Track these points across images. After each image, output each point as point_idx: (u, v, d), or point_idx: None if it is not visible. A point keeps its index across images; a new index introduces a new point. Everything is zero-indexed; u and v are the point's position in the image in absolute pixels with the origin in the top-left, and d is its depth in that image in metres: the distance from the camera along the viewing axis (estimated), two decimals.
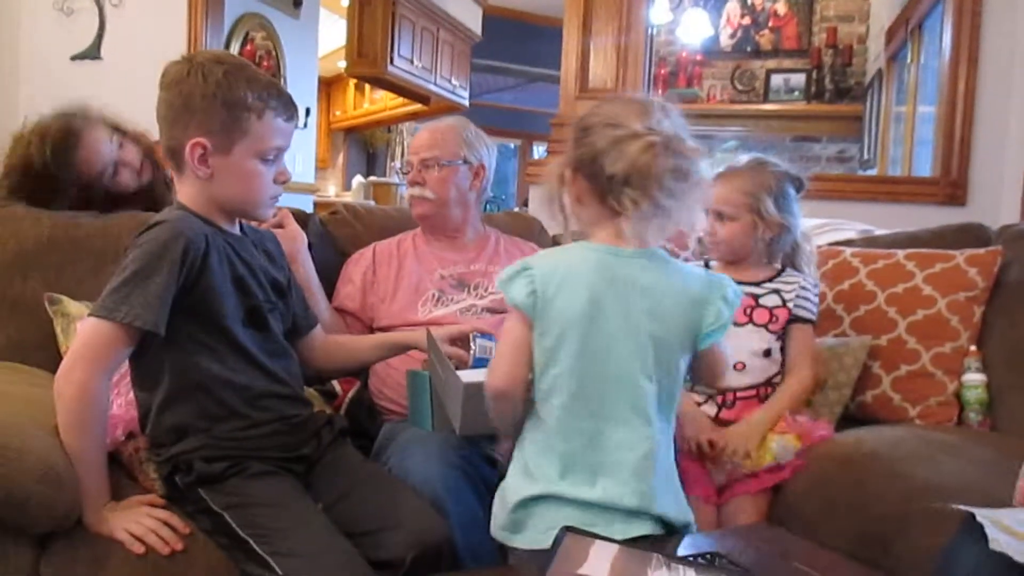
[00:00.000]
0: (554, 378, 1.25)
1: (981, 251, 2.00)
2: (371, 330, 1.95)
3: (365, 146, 10.05)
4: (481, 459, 1.58)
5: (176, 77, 1.38)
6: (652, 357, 1.25)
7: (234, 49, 4.19)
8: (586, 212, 1.31)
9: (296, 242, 1.84)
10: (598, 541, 0.97)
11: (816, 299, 1.83)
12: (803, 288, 1.81)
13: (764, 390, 1.76)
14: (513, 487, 1.29)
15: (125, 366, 1.44)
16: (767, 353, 1.77)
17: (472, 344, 1.65)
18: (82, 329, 1.31)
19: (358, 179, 6.98)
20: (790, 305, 1.79)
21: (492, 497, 1.55)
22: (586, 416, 1.24)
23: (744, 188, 1.79)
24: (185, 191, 1.42)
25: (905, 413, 1.91)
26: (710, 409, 1.75)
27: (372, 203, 6.20)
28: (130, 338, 1.29)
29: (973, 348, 1.92)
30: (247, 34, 4.39)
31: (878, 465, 1.53)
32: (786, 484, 1.62)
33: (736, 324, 1.74)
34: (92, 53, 3.84)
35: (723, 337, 1.29)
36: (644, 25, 3.34)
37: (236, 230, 1.47)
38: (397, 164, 2.15)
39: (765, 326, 1.78)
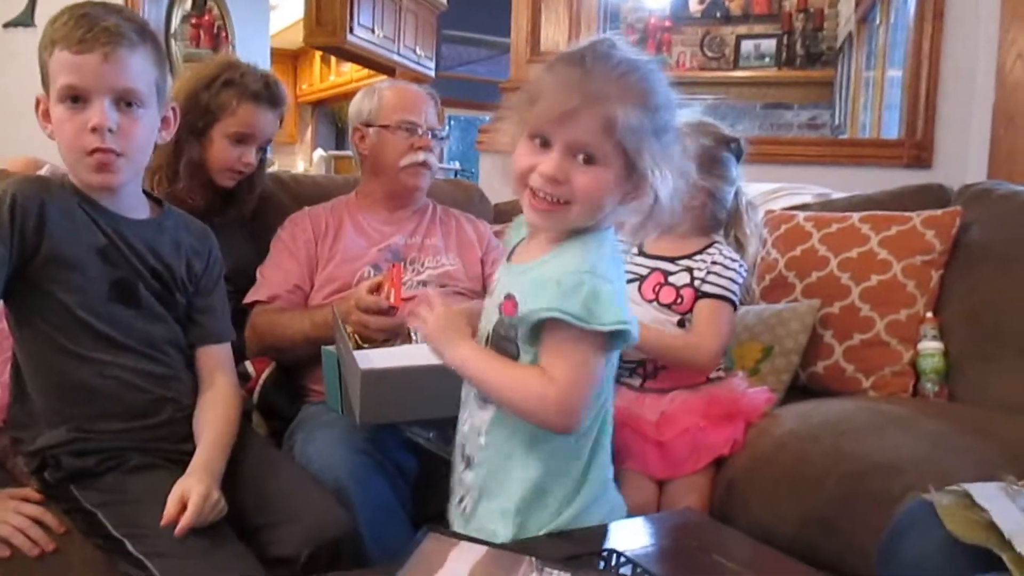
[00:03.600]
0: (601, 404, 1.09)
1: (938, 212, 1.90)
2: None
3: (334, 120, 9.85)
4: (397, 443, 1.46)
5: None
6: None
7: (178, 17, 4.03)
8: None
9: None
10: (462, 543, 0.85)
11: (736, 275, 1.65)
12: (715, 263, 1.65)
13: None
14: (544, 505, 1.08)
15: None
16: (680, 324, 1.64)
17: (414, 337, 1.53)
18: None
19: (319, 152, 6.82)
20: (698, 284, 1.64)
21: (408, 484, 1.46)
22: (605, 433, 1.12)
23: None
24: None
25: (858, 384, 1.81)
26: (634, 380, 1.64)
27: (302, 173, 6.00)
28: None
29: (930, 315, 1.83)
30: (205, 3, 4.22)
31: (822, 441, 1.43)
32: (727, 463, 1.52)
33: (645, 300, 1.64)
34: (25, 20, 3.66)
35: None
36: None
37: (125, 207, 1.31)
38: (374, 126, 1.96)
39: (669, 306, 1.64)
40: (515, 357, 1.06)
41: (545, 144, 1.02)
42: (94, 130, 1.19)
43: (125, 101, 1.23)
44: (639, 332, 1.52)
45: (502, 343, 1.07)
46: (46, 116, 1.25)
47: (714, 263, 1.65)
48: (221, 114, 1.75)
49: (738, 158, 1.71)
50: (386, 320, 1.54)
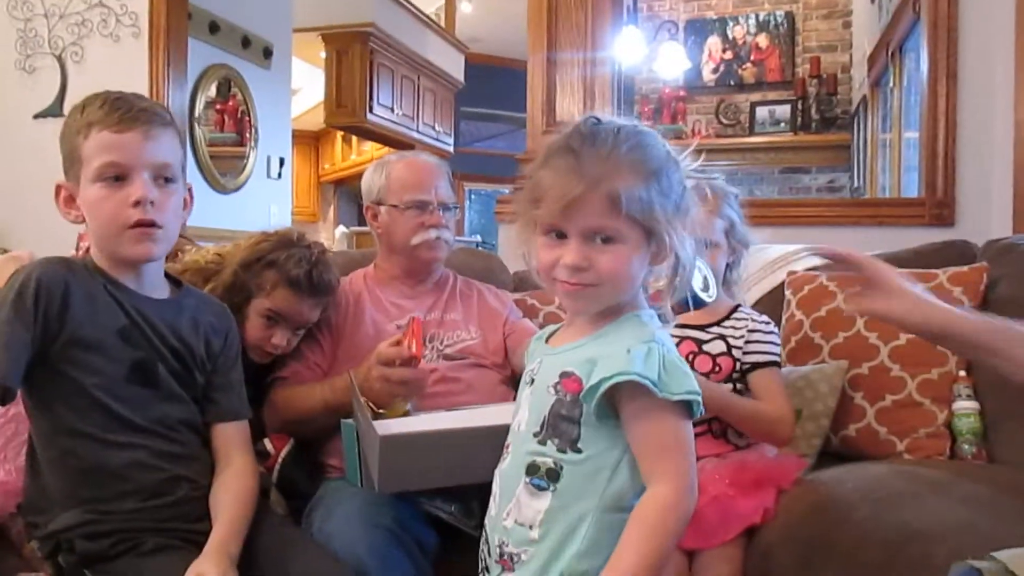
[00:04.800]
0: None
1: (965, 268, 1.87)
2: None
3: (356, 197, 10.01)
4: (417, 518, 1.43)
5: None
6: None
7: (202, 102, 4.14)
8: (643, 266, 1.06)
9: None
10: None
11: (773, 337, 1.66)
12: (752, 331, 1.65)
13: (717, 424, 1.61)
14: None
15: (13, 428, 1.31)
16: None
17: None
18: None
19: (340, 229, 6.91)
20: (738, 354, 1.63)
21: (428, 560, 1.41)
22: None
23: (718, 211, 1.66)
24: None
25: (892, 447, 1.76)
26: None
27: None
28: None
29: (963, 373, 1.78)
30: (229, 88, 4.35)
31: (858, 508, 1.37)
32: (760, 532, 1.46)
33: None
34: (55, 111, 3.78)
35: None
36: (610, 59, 3.25)
37: (147, 287, 1.32)
38: (385, 205, 1.98)
39: (707, 375, 1.62)
40: (575, 439, 1.02)
41: (562, 235, 1.03)
42: (137, 203, 1.23)
43: (162, 177, 1.27)
44: (729, 400, 1.58)
45: (561, 425, 1.03)
46: (68, 202, 1.28)
47: (751, 331, 1.65)
48: (258, 292, 1.68)
49: None
50: (408, 371, 1.51)
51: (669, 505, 0.97)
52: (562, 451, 1.02)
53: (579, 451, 1.01)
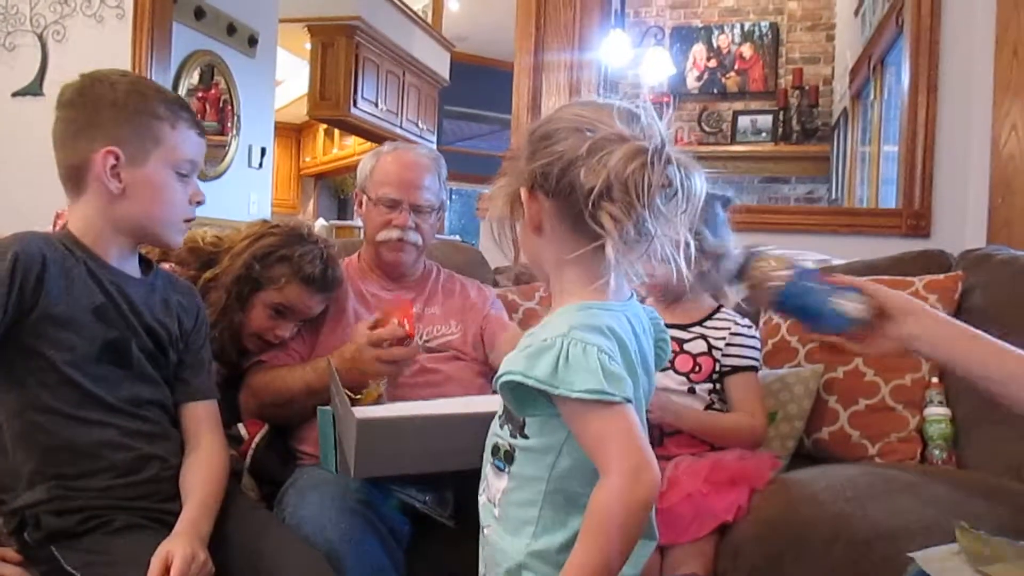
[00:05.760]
0: None
1: (940, 277, 1.89)
2: None
3: (336, 192, 9.98)
4: (391, 506, 1.42)
5: (78, 90, 1.30)
6: None
7: (184, 88, 4.10)
8: (549, 244, 1.03)
9: None
10: None
11: (754, 341, 1.68)
12: (734, 334, 1.66)
13: None
14: None
15: None
16: (691, 391, 1.64)
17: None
18: None
19: (320, 222, 6.86)
20: (718, 355, 1.64)
21: (402, 547, 1.41)
22: None
23: None
24: (78, 215, 1.29)
25: (865, 450, 1.78)
26: None
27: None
28: None
29: (935, 380, 1.80)
30: (213, 75, 4.31)
31: (829, 507, 1.39)
32: (730, 529, 1.47)
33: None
34: (34, 89, 3.73)
35: None
36: (596, 61, 3.27)
37: (126, 266, 1.32)
38: (366, 194, 1.94)
39: (687, 375, 1.64)
40: (522, 425, 1.03)
41: None
42: (200, 203, 1.37)
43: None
44: (693, 418, 1.60)
45: (510, 414, 1.04)
46: (115, 173, 1.26)
47: (733, 335, 1.66)
48: (268, 285, 1.69)
49: (725, 210, 1.72)
50: (402, 350, 1.53)
51: (613, 495, 0.93)
52: (513, 436, 1.04)
53: (526, 436, 1.03)
